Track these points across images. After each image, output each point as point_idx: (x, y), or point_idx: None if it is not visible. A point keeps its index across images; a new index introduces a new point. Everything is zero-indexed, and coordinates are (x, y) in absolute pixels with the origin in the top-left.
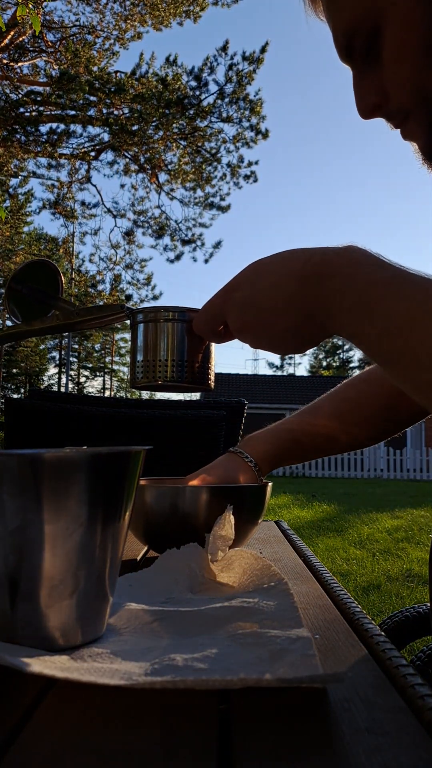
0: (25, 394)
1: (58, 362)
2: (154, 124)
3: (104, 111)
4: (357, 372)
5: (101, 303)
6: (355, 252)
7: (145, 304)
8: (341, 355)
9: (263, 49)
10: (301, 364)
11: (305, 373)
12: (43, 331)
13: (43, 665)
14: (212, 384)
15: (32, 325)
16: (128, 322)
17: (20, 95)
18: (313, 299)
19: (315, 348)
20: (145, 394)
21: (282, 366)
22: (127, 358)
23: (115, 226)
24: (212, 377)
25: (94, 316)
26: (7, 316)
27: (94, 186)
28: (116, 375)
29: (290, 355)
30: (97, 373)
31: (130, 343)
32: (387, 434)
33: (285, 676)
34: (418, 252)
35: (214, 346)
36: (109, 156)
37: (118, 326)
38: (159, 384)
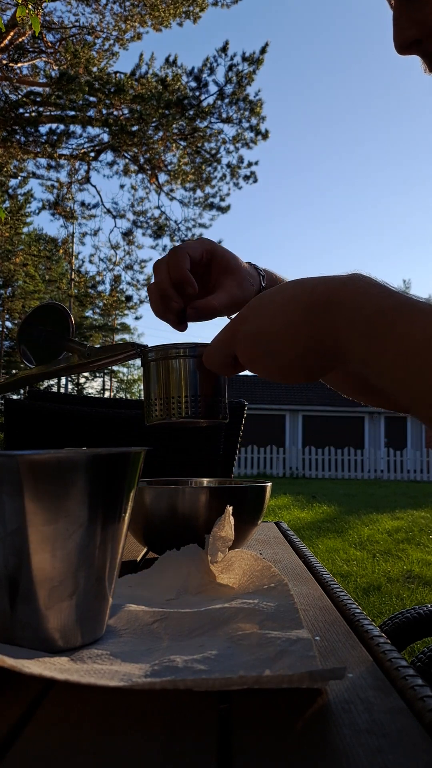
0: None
1: None
2: (153, 124)
3: (104, 111)
4: None
5: (101, 303)
6: (361, 280)
7: (146, 306)
8: None
9: (263, 50)
10: None
11: None
12: (56, 373)
13: (42, 667)
14: (227, 416)
15: (45, 368)
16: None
17: (20, 96)
18: (321, 327)
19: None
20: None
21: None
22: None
23: (115, 226)
24: (226, 408)
25: (106, 356)
26: (20, 360)
27: (94, 186)
28: (116, 376)
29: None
30: (97, 374)
31: (143, 381)
32: None
33: (285, 675)
34: (421, 248)
35: (225, 379)
36: (108, 156)
37: (118, 327)
38: (174, 420)
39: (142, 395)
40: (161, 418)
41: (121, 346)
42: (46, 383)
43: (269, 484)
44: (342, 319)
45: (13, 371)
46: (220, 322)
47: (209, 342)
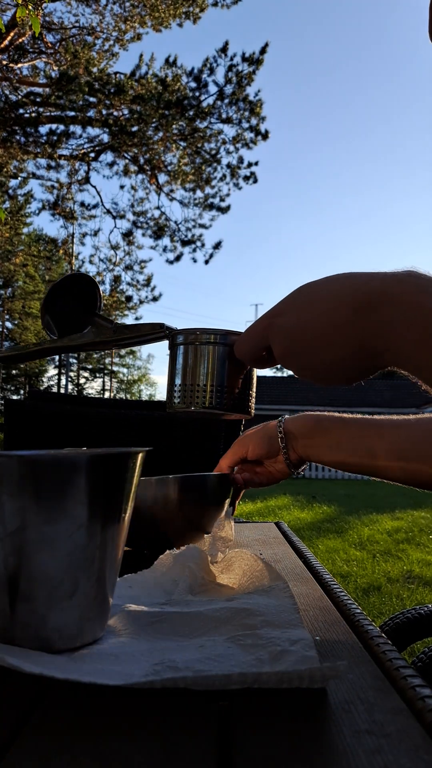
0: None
1: (57, 363)
2: (153, 125)
3: (104, 112)
4: None
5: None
6: (420, 278)
7: (145, 306)
8: None
9: (263, 50)
10: None
11: None
12: (79, 347)
13: (42, 666)
14: (252, 411)
15: (68, 341)
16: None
17: (20, 96)
18: (370, 328)
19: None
20: (146, 394)
21: (282, 368)
22: (127, 359)
23: (115, 227)
24: (252, 404)
25: (132, 335)
26: (44, 330)
27: (94, 187)
28: (116, 376)
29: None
30: (97, 375)
31: (168, 365)
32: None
33: (285, 674)
34: (423, 251)
35: (255, 371)
36: (108, 157)
37: None
38: (197, 410)
39: (166, 381)
40: (182, 406)
41: (149, 326)
42: (46, 383)
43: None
44: (397, 320)
45: (39, 341)
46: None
47: (242, 331)
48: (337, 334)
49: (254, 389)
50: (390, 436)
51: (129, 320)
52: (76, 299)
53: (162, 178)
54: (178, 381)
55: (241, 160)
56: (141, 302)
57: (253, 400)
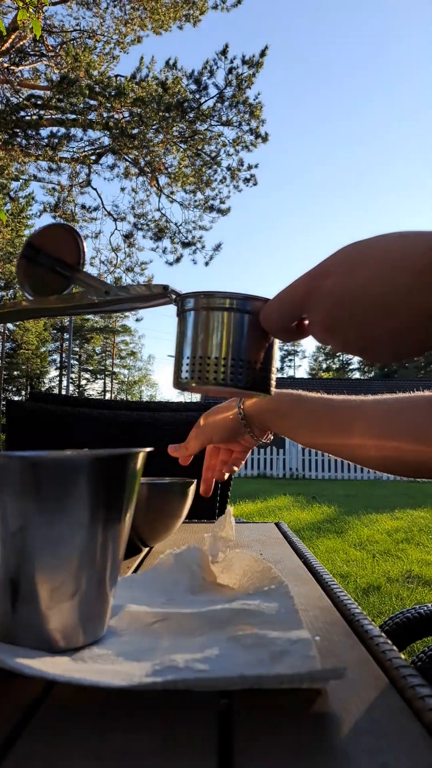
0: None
1: (59, 365)
2: (154, 127)
3: (104, 115)
4: (357, 375)
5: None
6: None
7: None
8: (341, 357)
9: (263, 53)
10: (301, 366)
11: (305, 375)
12: (63, 310)
13: (44, 667)
14: (273, 390)
15: (46, 303)
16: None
17: (21, 99)
18: None
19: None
20: (147, 395)
21: (282, 368)
22: (128, 361)
23: (116, 229)
24: (274, 382)
25: (126, 298)
26: (21, 292)
27: (95, 189)
28: (117, 377)
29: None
30: (98, 376)
31: (176, 334)
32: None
33: (285, 674)
34: None
35: (276, 344)
36: (109, 159)
37: (119, 329)
38: (209, 386)
39: (174, 352)
40: (193, 381)
41: (147, 286)
42: (47, 384)
43: (194, 482)
44: None
45: (16, 301)
46: None
47: (268, 297)
48: (397, 302)
49: (276, 365)
50: (368, 413)
51: (130, 321)
52: (57, 254)
53: (162, 180)
54: (187, 352)
55: (241, 162)
56: None
57: (275, 377)
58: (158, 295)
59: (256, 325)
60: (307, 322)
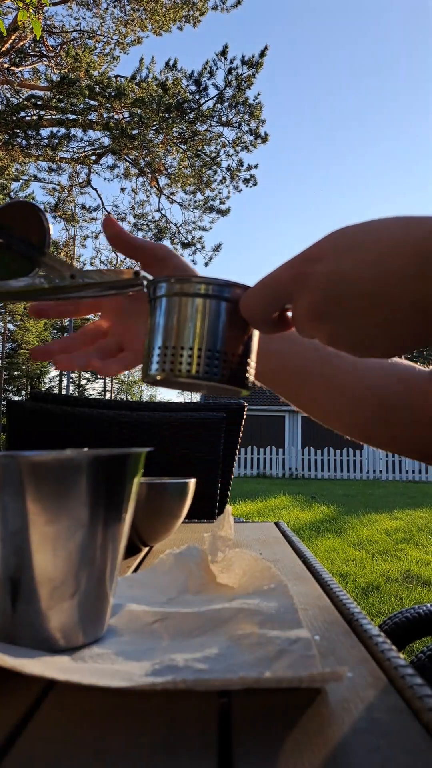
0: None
1: None
2: (154, 128)
3: (104, 115)
4: None
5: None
6: None
7: None
8: None
9: (262, 54)
10: None
11: None
12: (20, 295)
13: (43, 667)
14: (250, 386)
15: (7, 287)
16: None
17: (21, 99)
18: None
19: None
20: (147, 395)
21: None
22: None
23: None
24: (252, 377)
25: (93, 283)
26: None
27: (95, 189)
28: (117, 377)
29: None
30: (98, 376)
31: (148, 323)
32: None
33: (285, 674)
34: None
35: (257, 336)
36: (109, 160)
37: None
38: (180, 380)
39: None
40: (163, 374)
41: (116, 271)
42: (47, 384)
43: (192, 481)
44: None
45: None
46: None
47: (248, 285)
48: (395, 289)
49: (255, 358)
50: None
51: None
52: (19, 234)
53: (162, 180)
54: (157, 343)
55: (241, 162)
56: None
57: (253, 372)
58: (129, 280)
59: (235, 314)
60: (290, 313)
